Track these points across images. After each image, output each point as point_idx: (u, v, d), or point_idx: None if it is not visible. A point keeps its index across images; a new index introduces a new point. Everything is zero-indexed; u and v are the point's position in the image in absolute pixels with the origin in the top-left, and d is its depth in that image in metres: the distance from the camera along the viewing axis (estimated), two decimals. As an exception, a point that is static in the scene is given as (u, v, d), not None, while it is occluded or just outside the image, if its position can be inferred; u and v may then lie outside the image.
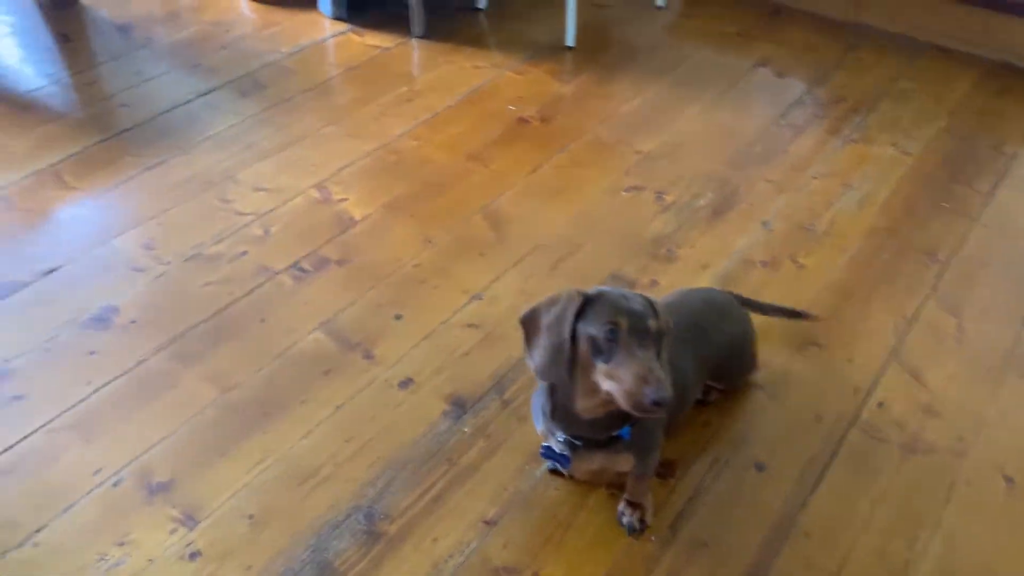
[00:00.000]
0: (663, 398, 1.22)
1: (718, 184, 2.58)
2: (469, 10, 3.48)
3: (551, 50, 3.23)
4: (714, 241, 2.36)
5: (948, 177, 2.63)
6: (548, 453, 1.54)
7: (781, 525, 1.66)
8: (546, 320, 1.36)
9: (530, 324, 1.40)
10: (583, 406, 1.41)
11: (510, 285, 2.20)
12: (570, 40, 3.24)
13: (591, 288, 1.36)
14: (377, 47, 3.21)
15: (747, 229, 2.41)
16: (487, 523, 1.65)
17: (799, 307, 2.13)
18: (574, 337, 1.33)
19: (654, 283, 2.22)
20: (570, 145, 2.73)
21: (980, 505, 1.72)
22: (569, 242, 2.35)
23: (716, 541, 1.63)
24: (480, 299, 2.15)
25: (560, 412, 1.47)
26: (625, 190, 2.55)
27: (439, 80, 3.04)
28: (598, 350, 1.29)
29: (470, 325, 2.08)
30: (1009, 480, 1.76)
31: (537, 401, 1.56)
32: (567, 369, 1.35)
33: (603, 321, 1.28)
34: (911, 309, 2.16)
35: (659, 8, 3.54)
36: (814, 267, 2.29)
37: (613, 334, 1.27)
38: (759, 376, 1.96)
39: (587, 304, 1.33)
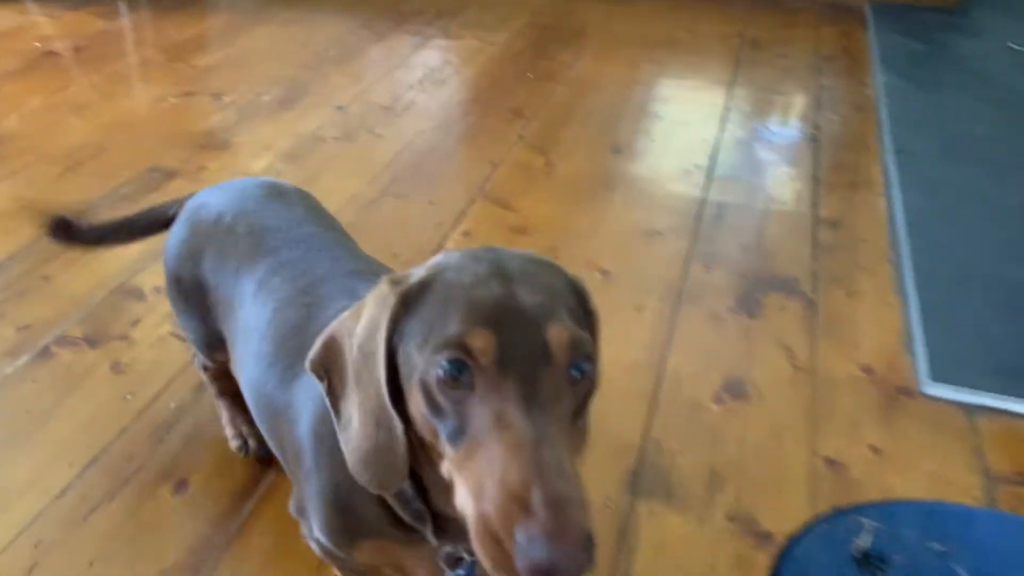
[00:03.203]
0: (556, 561, 0.49)
1: (288, 83, 2.26)
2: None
3: (99, -2, 2.77)
4: (280, 126, 2.03)
5: (533, 55, 2.53)
6: None
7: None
8: (352, 358, 0.64)
9: (329, 368, 0.66)
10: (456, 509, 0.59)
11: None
12: (120, -15, 2.81)
13: (421, 265, 0.63)
14: None
15: (318, 114, 2.11)
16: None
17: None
18: (396, 378, 0.61)
19: (202, 168, 1.83)
20: (108, 68, 2.29)
21: (577, 299, 1.49)
22: (93, 146, 1.89)
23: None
24: (-44, 212, 1.63)
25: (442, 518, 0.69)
26: (175, 97, 2.15)
27: (-59, 28, 2.46)
28: (436, 408, 0.58)
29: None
30: (605, 273, 1.56)
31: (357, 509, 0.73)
32: (405, 452, 0.61)
33: (437, 343, 0.57)
34: (498, 155, 1.96)
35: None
36: (393, 136, 2.03)
37: (458, 372, 0.56)
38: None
39: (408, 304, 0.61)
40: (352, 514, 0.70)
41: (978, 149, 2.08)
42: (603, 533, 1.03)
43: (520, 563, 0.50)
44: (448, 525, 0.68)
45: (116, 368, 1.26)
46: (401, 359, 0.60)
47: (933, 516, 1.06)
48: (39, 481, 1.08)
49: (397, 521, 0.69)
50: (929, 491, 1.11)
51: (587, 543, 0.50)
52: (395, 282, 0.61)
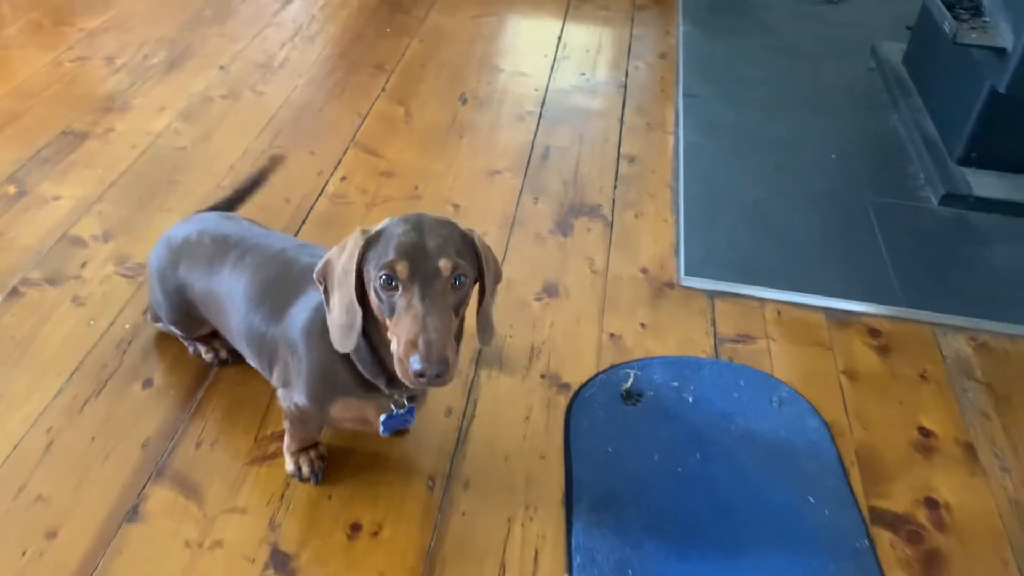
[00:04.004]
0: (425, 369, 0.97)
1: (170, 44, 2.55)
2: None
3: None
4: (171, 89, 2.33)
5: (389, 10, 2.88)
6: (392, 421, 1.24)
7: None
8: (337, 272, 1.11)
9: (326, 278, 1.13)
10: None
11: (-63, 161, 1.96)
12: (-12, -57, 2.94)
13: (384, 222, 1.09)
14: None
15: (204, 75, 2.42)
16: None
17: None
18: (362, 284, 1.08)
19: (110, 130, 2.13)
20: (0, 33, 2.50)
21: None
22: (8, 113, 2.16)
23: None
24: (-102, 178, 1.89)
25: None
26: (70, 61, 2.41)
27: None
28: (380, 300, 1.05)
29: None
30: (456, 207, 2.00)
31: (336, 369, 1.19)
32: (360, 326, 1.08)
33: (378, 264, 1.03)
34: (365, 107, 2.35)
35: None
36: (272, 92, 2.37)
37: (389, 281, 1.02)
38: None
39: (369, 244, 1.07)
40: (332, 380, 1.18)
41: (752, 91, 2.62)
42: (455, 392, 1.51)
43: (410, 370, 0.99)
44: (396, 380, 1.14)
45: (76, 301, 1.62)
46: (365, 275, 1.07)
47: (674, 365, 1.59)
48: (38, 387, 1.45)
49: (362, 383, 1.17)
50: (676, 350, 1.64)
51: (443, 362, 0.98)
52: (364, 231, 1.08)
